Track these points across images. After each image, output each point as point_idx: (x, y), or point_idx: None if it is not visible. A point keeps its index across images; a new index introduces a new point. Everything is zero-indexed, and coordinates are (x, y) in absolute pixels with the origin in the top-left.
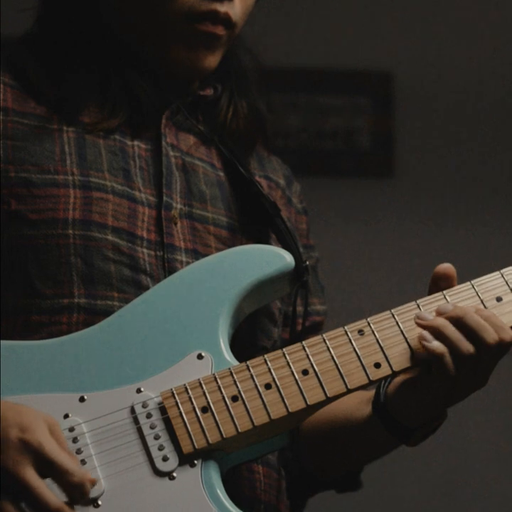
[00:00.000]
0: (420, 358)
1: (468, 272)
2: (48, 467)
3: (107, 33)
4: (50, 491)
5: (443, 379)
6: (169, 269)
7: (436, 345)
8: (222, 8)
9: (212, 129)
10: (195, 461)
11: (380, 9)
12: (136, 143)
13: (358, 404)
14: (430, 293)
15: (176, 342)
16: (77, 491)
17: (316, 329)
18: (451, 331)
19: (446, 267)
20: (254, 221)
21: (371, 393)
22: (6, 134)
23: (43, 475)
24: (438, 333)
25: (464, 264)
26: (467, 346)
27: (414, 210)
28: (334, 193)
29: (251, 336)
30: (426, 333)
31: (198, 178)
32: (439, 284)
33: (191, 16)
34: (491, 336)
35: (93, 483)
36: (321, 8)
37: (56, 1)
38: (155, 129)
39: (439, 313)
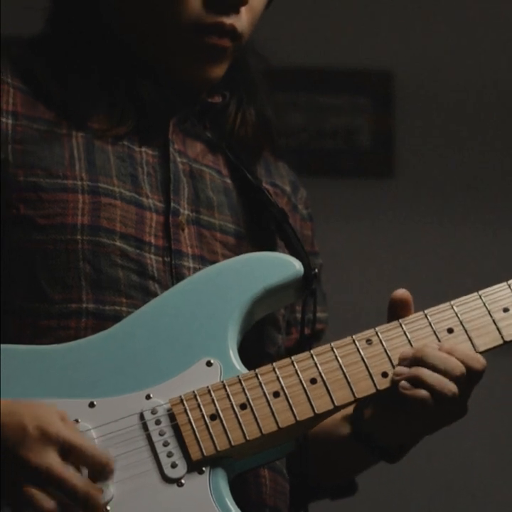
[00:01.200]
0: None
1: (469, 272)
2: (71, 452)
3: (115, 39)
4: (77, 474)
5: (423, 418)
6: (176, 275)
7: (422, 392)
8: (228, 20)
9: (219, 137)
10: (204, 468)
11: (380, 9)
12: (143, 149)
13: (337, 422)
14: (389, 320)
15: (185, 349)
16: (103, 472)
17: (317, 337)
18: (432, 377)
19: (402, 292)
20: (261, 228)
21: (348, 412)
22: (16, 138)
23: (66, 461)
24: (418, 382)
25: (464, 264)
26: (449, 386)
27: (414, 210)
28: (334, 193)
29: (256, 342)
30: (405, 384)
31: (205, 185)
32: (397, 311)
33: (197, 28)
34: (458, 368)
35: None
36: (321, 7)
37: (66, 6)
38: (163, 135)
39: (403, 359)
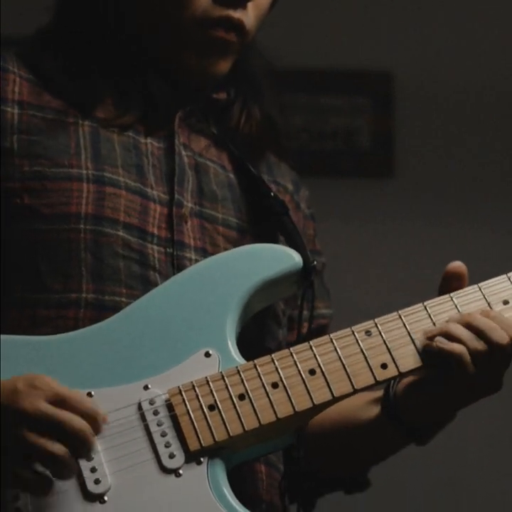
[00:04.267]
0: (432, 362)
1: (470, 272)
2: (60, 401)
3: (122, 32)
4: (71, 414)
5: (459, 380)
6: (178, 266)
7: (455, 346)
8: (235, 14)
9: (223, 133)
10: (202, 459)
11: (380, 9)
12: (149, 140)
13: (366, 404)
14: (441, 291)
15: (184, 340)
16: (95, 423)
17: (321, 332)
18: (463, 332)
19: (457, 265)
20: (263, 224)
21: (378, 394)
22: (21, 128)
23: None
24: (451, 337)
25: (465, 264)
26: (481, 344)
27: (414, 210)
28: (334, 193)
29: (256, 337)
30: (441, 338)
31: (209, 179)
32: (451, 283)
33: (204, 22)
34: (500, 335)
35: (105, 421)
36: (321, 8)
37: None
38: (168, 127)
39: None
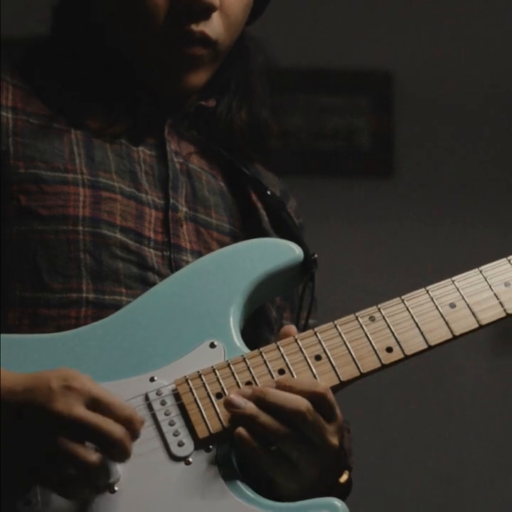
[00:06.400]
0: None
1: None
2: (97, 406)
3: (109, 46)
4: (111, 421)
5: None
6: (176, 268)
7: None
8: (197, 27)
9: (211, 139)
10: (211, 446)
11: (380, 9)
12: (141, 148)
13: None
14: None
15: (188, 331)
16: (132, 425)
17: None
18: (264, 420)
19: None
20: (256, 231)
21: None
22: (16, 131)
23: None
24: (252, 424)
25: (464, 264)
26: (282, 430)
27: (414, 210)
28: (334, 193)
29: (250, 343)
30: (241, 431)
31: (202, 185)
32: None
33: (168, 39)
34: (300, 404)
35: (142, 422)
36: (321, 8)
37: (63, 14)
38: (158, 136)
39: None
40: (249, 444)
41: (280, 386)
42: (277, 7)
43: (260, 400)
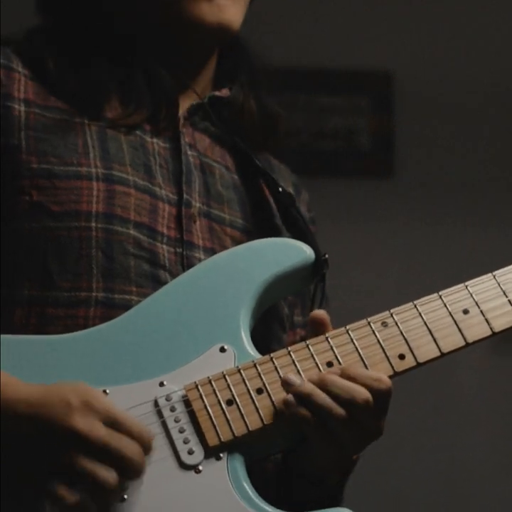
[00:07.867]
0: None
1: (469, 272)
2: (114, 425)
3: (124, 23)
4: (129, 443)
5: (318, 443)
6: (188, 265)
7: (302, 411)
8: None
9: (226, 130)
10: (221, 454)
11: (380, 9)
12: (155, 140)
13: None
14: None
15: (198, 335)
16: (146, 446)
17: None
18: (320, 398)
19: (320, 313)
20: (269, 225)
21: None
22: (29, 125)
23: None
24: (307, 400)
25: (464, 264)
26: (338, 412)
27: (414, 210)
28: (334, 193)
29: (262, 341)
30: (290, 398)
31: (215, 180)
32: (317, 329)
33: None
34: (361, 396)
35: (153, 437)
36: (321, 8)
37: (75, 3)
38: (173, 128)
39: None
40: (299, 413)
41: (344, 375)
42: (277, 7)
43: (325, 386)
